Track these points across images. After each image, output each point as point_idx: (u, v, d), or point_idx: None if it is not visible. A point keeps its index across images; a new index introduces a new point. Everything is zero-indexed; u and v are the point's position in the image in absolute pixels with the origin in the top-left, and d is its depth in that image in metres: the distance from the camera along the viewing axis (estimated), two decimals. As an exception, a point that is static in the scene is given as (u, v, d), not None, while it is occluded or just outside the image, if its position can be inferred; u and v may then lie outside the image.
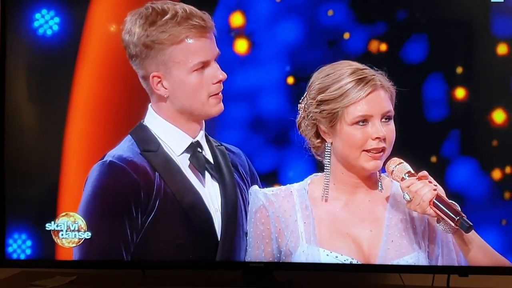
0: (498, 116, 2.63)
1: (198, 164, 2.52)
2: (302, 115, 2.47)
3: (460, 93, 2.64)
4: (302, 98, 2.47)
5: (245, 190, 2.58)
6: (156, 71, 2.45)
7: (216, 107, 2.49)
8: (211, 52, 2.47)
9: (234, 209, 2.53)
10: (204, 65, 2.45)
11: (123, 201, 2.45)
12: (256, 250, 2.48)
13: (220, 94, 2.49)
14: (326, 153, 2.43)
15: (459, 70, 2.65)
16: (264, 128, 2.64)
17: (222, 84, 2.49)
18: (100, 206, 2.48)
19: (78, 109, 2.68)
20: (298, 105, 2.49)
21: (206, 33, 2.45)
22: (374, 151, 2.37)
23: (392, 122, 2.39)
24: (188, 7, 2.46)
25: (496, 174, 2.63)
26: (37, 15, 2.70)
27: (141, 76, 2.50)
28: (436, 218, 2.33)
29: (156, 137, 2.51)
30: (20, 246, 2.71)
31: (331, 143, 2.42)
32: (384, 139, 2.36)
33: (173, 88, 2.46)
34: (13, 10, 2.71)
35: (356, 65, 2.41)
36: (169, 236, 2.47)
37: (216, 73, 2.47)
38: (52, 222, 2.62)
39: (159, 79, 2.46)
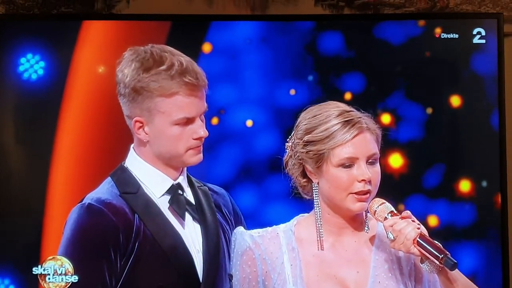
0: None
1: (179, 206, 2.49)
2: (289, 154, 2.47)
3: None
4: (290, 137, 2.48)
5: (229, 231, 2.55)
6: (140, 116, 2.44)
7: (194, 158, 2.47)
8: (198, 109, 2.45)
9: (216, 250, 2.49)
10: (188, 121, 2.43)
11: (101, 244, 2.39)
12: (242, 293, 2.45)
13: (200, 146, 2.47)
14: (314, 194, 2.43)
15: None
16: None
17: (203, 139, 2.47)
18: (78, 249, 2.43)
19: (63, 152, 2.68)
20: (286, 143, 2.49)
21: (197, 91, 2.43)
22: (361, 193, 2.37)
23: (377, 164, 2.39)
24: (186, 61, 2.44)
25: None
26: (23, 60, 2.71)
27: (125, 115, 2.50)
28: (420, 257, 2.34)
29: (137, 179, 2.49)
30: (2, 291, 2.67)
31: (318, 183, 2.43)
32: (370, 182, 2.36)
33: (153, 135, 2.45)
34: (-2, 55, 2.73)
35: (343, 106, 2.42)
36: (150, 278, 2.42)
37: (198, 129, 2.44)
38: (39, 266, 2.58)
39: (141, 124, 2.44)
